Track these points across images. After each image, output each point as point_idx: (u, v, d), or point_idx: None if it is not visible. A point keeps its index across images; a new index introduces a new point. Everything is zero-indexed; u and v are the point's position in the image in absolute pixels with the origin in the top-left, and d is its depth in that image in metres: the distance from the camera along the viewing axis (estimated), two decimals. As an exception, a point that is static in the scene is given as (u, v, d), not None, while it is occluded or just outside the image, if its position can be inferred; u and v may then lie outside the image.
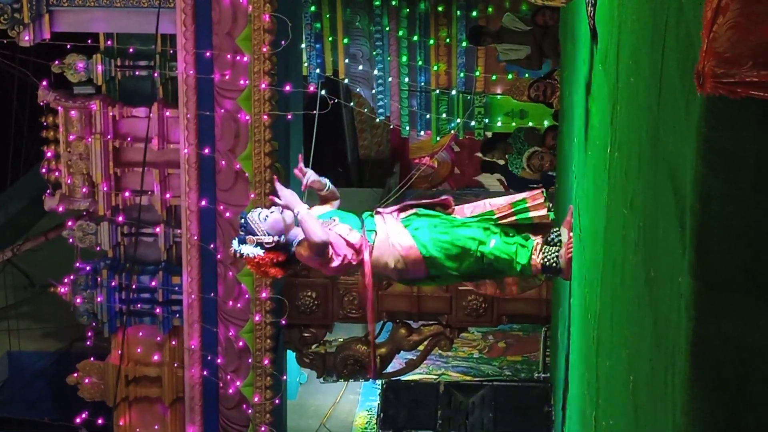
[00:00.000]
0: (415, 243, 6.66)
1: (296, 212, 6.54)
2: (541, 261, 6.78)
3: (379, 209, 6.88)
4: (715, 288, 2.61)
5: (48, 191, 10.68)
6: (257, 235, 6.58)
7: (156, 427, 11.04)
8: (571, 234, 6.82)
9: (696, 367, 2.65)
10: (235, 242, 6.67)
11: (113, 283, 10.64)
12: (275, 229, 6.62)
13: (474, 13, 13.63)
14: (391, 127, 14.99)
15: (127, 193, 10.50)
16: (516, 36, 12.43)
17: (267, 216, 6.67)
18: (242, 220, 6.68)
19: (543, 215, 6.87)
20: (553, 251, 6.82)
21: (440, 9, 13.65)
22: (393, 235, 6.68)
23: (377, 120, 14.62)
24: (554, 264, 6.79)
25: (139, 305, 10.73)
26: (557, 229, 6.93)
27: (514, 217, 6.82)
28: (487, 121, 14.16)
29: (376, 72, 13.80)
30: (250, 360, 10.60)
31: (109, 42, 10.56)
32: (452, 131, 14.35)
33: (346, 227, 6.68)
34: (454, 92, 13.93)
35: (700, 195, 2.60)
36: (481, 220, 6.83)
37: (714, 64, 2.44)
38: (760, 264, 2.58)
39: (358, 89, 14.34)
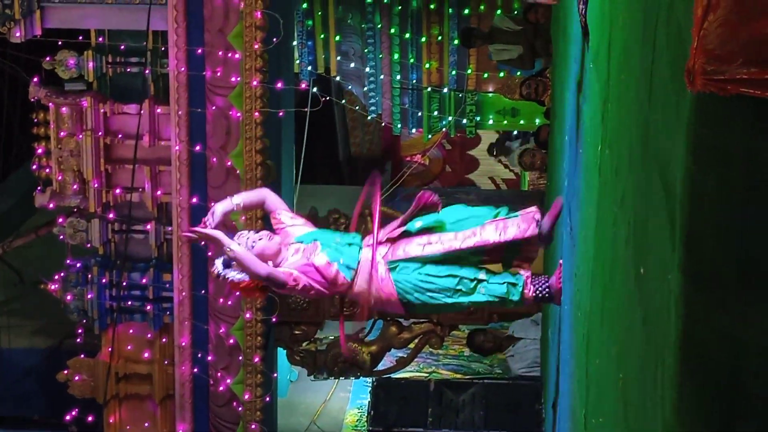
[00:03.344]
0: (396, 291, 6.58)
1: (228, 250, 6.43)
2: (534, 294, 6.77)
3: (368, 241, 6.72)
4: (704, 284, 2.62)
5: (39, 188, 10.67)
6: None
7: (146, 424, 11.02)
8: (561, 261, 6.81)
9: (685, 364, 2.66)
10: (219, 264, 6.58)
11: (104, 280, 10.62)
12: (263, 256, 6.55)
13: (466, 11, 13.63)
14: (383, 124, 14.98)
15: (118, 190, 10.49)
16: (507, 36, 12.43)
17: (255, 243, 6.58)
18: None
19: (534, 238, 6.72)
20: (542, 281, 6.80)
21: (432, 7, 13.65)
22: (376, 277, 6.58)
23: (369, 117, 14.60)
24: (546, 294, 6.78)
25: (129, 302, 10.72)
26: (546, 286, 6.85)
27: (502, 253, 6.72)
28: (478, 119, 14.16)
29: (367, 69, 13.80)
30: (240, 357, 10.59)
31: (100, 38, 10.55)
32: (444, 129, 14.36)
33: (325, 259, 6.57)
34: (445, 90, 13.93)
35: (690, 192, 2.60)
36: (468, 264, 6.66)
37: (704, 62, 2.44)
38: (750, 260, 2.58)
39: (349, 87, 14.34)
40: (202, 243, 6.62)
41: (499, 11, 13.46)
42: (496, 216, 6.66)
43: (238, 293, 6.98)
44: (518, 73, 13.33)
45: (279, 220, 6.76)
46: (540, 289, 6.77)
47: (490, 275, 6.66)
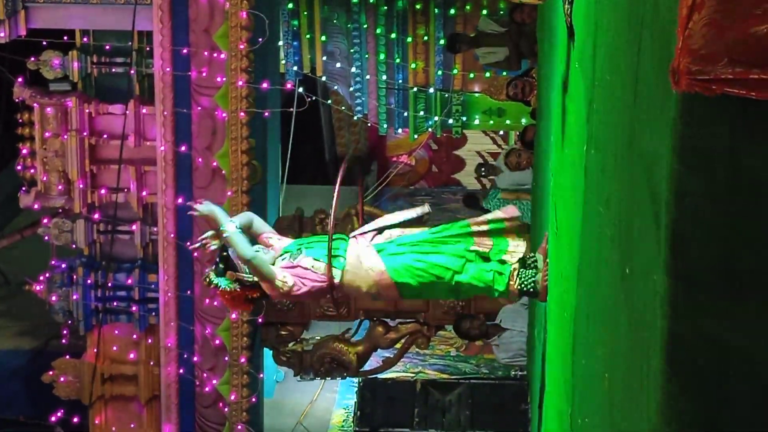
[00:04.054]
0: (387, 269, 6.68)
1: (223, 230, 6.49)
2: (518, 286, 6.83)
3: (355, 233, 6.87)
4: (690, 286, 2.61)
5: (23, 188, 10.63)
6: (238, 272, 6.58)
7: (132, 425, 11.00)
8: (547, 261, 6.87)
9: (670, 366, 2.65)
10: (211, 273, 6.65)
11: (89, 281, 10.60)
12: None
13: (452, 11, 13.63)
14: (369, 124, 14.97)
15: (103, 191, 10.46)
16: (493, 39, 12.44)
17: None
18: (224, 254, 6.66)
19: (515, 217, 6.87)
20: (529, 275, 6.85)
21: (418, 7, 13.64)
22: (365, 260, 6.69)
23: (355, 118, 14.59)
24: (531, 288, 6.84)
25: (115, 303, 10.69)
26: (533, 255, 6.96)
27: (487, 226, 6.83)
28: (464, 119, 14.15)
29: (353, 69, 13.79)
30: (226, 358, 10.57)
31: (85, 39, 10.52)
32: (430, 129, 14.35)
33: (310, 259, 6.66)
34: (431, 90, 13.92)
35: (676, 192, 2.60)
36: (457, 242, 6.81)
37: (689, 62, 2.44)
38: (736, 261, 2.58)
39: (335, 87, 14.32)
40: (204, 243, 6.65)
41: (484, 11, 13.46)
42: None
43: (225, 303, 7.02)
44: (504, 74, 13.33)
45: (266, 242, 6.83)
46: (525, 282, 6.83)
47: (479, 260, 6.75)
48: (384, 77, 13.83)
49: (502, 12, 13.23)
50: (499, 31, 12.36)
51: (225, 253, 6.64)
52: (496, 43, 12.34)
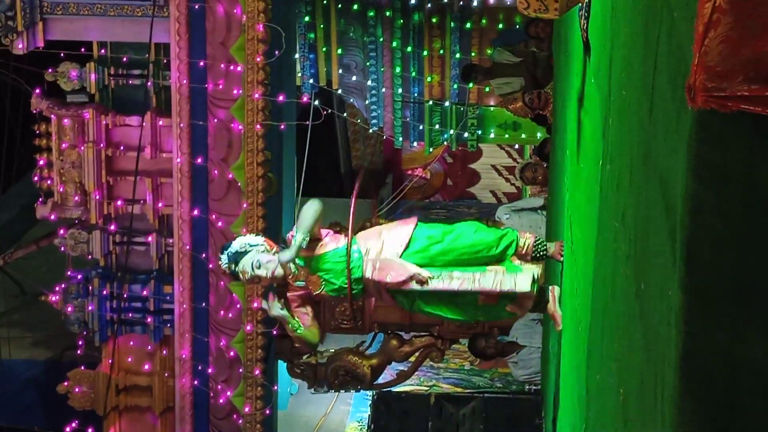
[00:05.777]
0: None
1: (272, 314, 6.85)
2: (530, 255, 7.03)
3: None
4: (705, 301, 2.62)
5: (40, 199, 10.66)
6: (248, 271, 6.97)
7: (146, 436, 11.01)
8: (558, 311, 7.02)
9: (685, 381, 2.65)
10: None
11: (104, 292, 10.61)
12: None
13: (468, 25, 13.66)
14: (384, 137, 14.99)
15: (119, 202, 10.48)
16: (507, 69, 12.44)
17: (260, 263, 6.97)
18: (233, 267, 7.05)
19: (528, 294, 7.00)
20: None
21: (434, 20, 13.68)
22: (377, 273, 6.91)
23: (370, 131, 14.62)
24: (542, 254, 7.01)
25: (130, 314, 10.70)
26: (543, 243, 7.00)
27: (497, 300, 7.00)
28: (480, 132, 14.18)
29: (369, 83, 13.81)
30: (241, 370, 10.57)
31: (102, 50, 10.55)
32: (445, 142, 14.37)
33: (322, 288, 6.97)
34: (447, 103, 13.94)
35: (691, 209, 2.60)
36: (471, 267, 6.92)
37: (705, 78, 2.44)
38: (750, 278, 2.58)
39: (351, 100, 14.35)
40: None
41: (500, 25, 13.49)
42: (500, 244, 6.88)
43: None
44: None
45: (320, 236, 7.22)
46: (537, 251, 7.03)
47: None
48: (400, 90, 13.85)
49: (518, 26, 13.25)
50: (514, 61, 12.36)
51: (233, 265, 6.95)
52: (511, 74, 12.34)
